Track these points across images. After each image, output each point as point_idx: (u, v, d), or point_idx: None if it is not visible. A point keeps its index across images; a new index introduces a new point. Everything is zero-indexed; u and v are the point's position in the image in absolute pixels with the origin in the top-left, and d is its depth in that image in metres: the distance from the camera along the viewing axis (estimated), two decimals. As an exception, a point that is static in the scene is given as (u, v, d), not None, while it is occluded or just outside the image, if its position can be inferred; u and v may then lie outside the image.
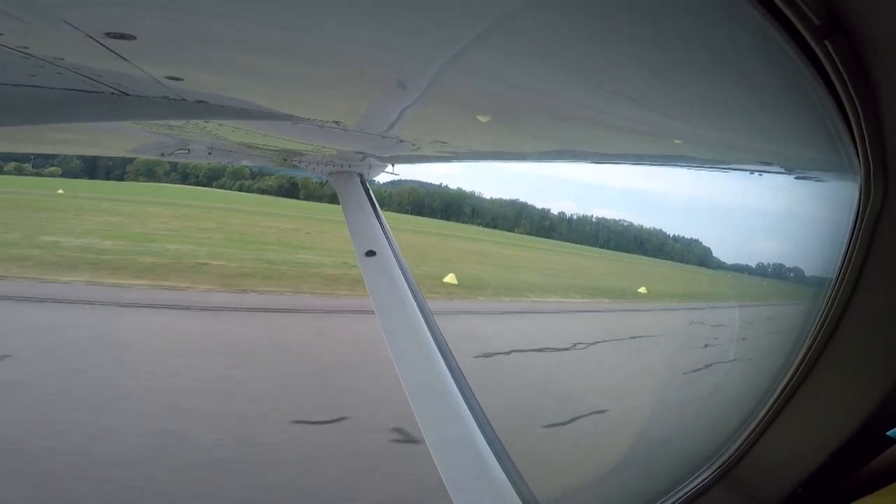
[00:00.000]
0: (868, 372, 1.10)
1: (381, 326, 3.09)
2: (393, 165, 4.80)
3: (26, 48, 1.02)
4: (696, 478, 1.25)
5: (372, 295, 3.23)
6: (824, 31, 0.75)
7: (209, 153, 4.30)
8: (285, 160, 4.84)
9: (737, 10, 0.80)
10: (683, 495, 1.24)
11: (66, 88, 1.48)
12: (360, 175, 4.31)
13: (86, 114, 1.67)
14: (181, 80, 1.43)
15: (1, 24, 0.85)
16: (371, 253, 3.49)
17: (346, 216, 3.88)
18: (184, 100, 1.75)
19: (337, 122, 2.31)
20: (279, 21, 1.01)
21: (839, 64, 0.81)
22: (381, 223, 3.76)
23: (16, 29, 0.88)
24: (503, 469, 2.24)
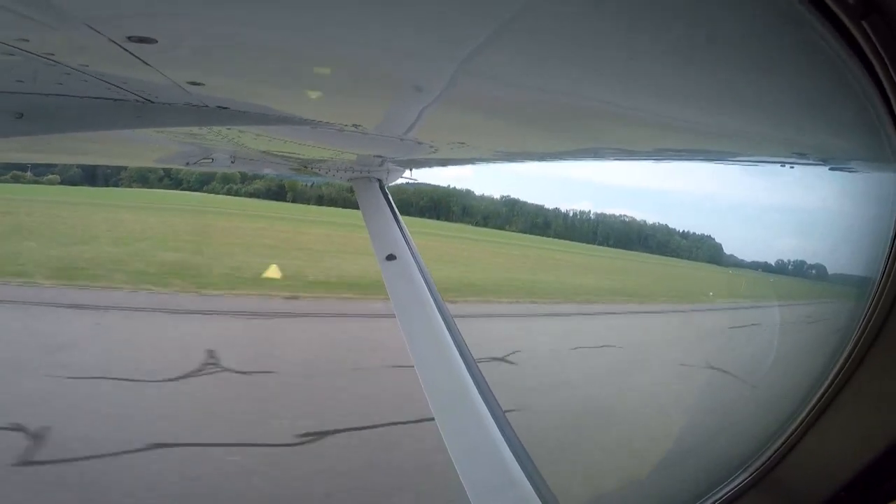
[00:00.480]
0: None
1: (401, 329, 3.08)
2: (411, 170, 4.83)
3: (52, 55, 1.05)
4: (732, 480, 1.20)
5: (392, 298, 3.23)
6: (860, 11, 0.72)
7: (232, 161, 4.38)
8: (305, 167, 4.90)
9: None
10: (720, 498, 1.19)
11: (92, 97, 1.51)
12: (379, 180, 4.34)
13: (112, 122, 1.71)
14: (202, 84, 1.45)
15: (25, 30, 0.87)
16: (391, 257, 3.49)
17: (365, 220, 3.91)
18: (206, 106, 1.77)
19: (356, 126, 2.32)
20: (298, 24, 1.01)
21: (878, 45, 0.78)
22: (400, 227, 3.77)
23: (40, 34, 0.90)
24: (525, 473, 2.20)
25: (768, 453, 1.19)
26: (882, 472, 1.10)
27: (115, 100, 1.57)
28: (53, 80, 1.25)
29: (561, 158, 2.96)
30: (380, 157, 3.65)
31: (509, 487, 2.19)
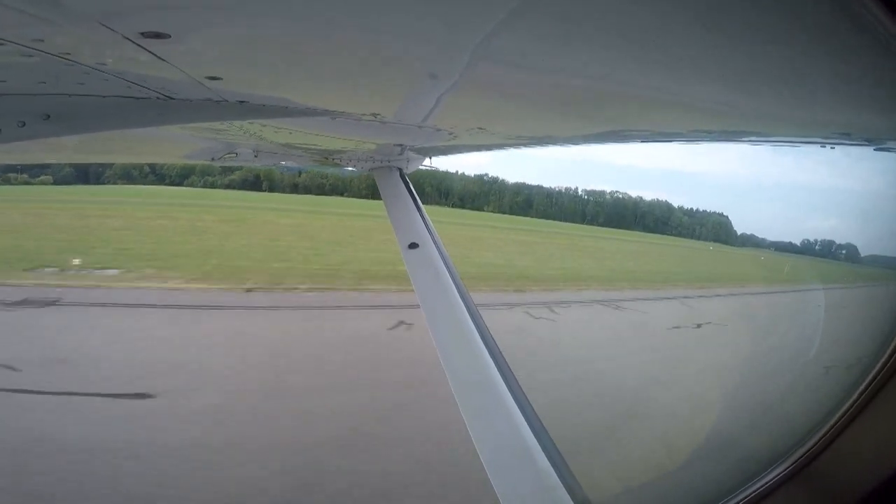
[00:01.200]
0: None
1: (424, 317, 3.08)
2: (430, 158, 4.80)
3: (68, 54, 1.06)
4: (772, 471, 1.15)
5: (416, 286, 3.23)
6: None
7: (255, 155, 4.43)
8: (326, 158, 4.93)
9: None
10: (759, 489, 1.15)
11: (114, 95, 1.53)
12: (400, 169, 4.33)
13: (135, 120, 1.73)
14: (220, 79, 1.45)
15: (38, 29, 0.88)
16: (414, 245, 3.49)
17: (387, 209, 3.91)
18: (225, 101, 1.78)
19: (375, 115, 2.30)
20: (313, 14, 0.99)
21: None
22: (422, 215, 3.76)
23: (53, 33, 0.91)
24: (552, 464, 2.17)
25: (809, 444, 1.14)
26: None
27: (137, 98, 1.58)
28: (74, 80, 1.27)
29: (585, 142, 2.88)
30: (400, 145, 3.63)
31: (534, 477, 2.17)
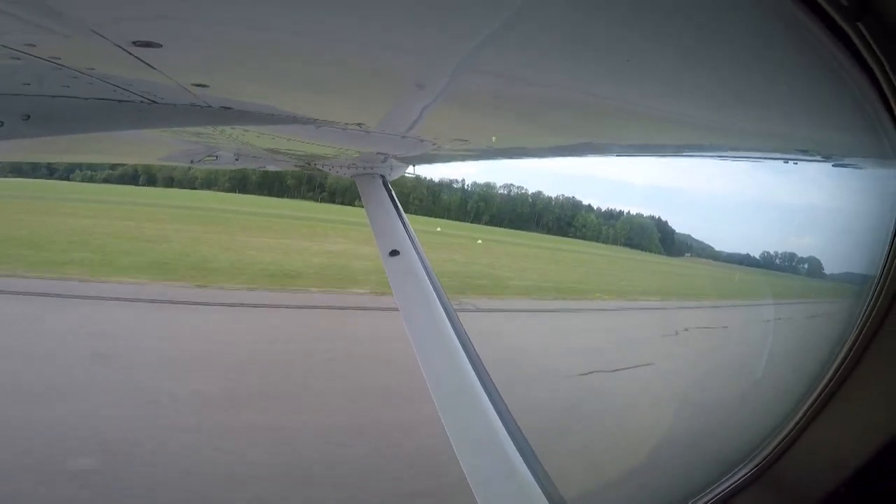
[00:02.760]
0: None
1: (404, 324, 3.10)
2: (414, 166, 4.84)
3: (58, 59, 1.06)
4: (733, 475, 1.21)
5: (396, 293, 3.25)
6: (854, 13, 0.73)
7: (236, 159, 4.40)
8: (309, 164, 4.92)
9: None
10: (721, 492, 1.21)
11: (99, 98, 1.53)
12: (382, 176, 4.35)
13: (116, 123, 1.72)
14: (207, 86, 1.47)
15: (32, 36, 0.89)
16: (395, 252, 3.51)
17: (369, 216, 3.92)
18: (210, 106, 1.79)
19: (359, 125, 2.33)
20: (300, 25, 1.02)
21: (874, 46, 0.79)
22: (403, 223, 3.78)
23: (47, 40, 0.92)
24: (529, 467, 2.21)
25: (770, 447, 1.20)
26: (884, 468, 1.11)
27: (120, 101, 1.58)
28: (60, 83, 1.27)
29: (561, 154, 2.97)
30: (383, 154, 3.66)
31: (512, 481, 2.21)
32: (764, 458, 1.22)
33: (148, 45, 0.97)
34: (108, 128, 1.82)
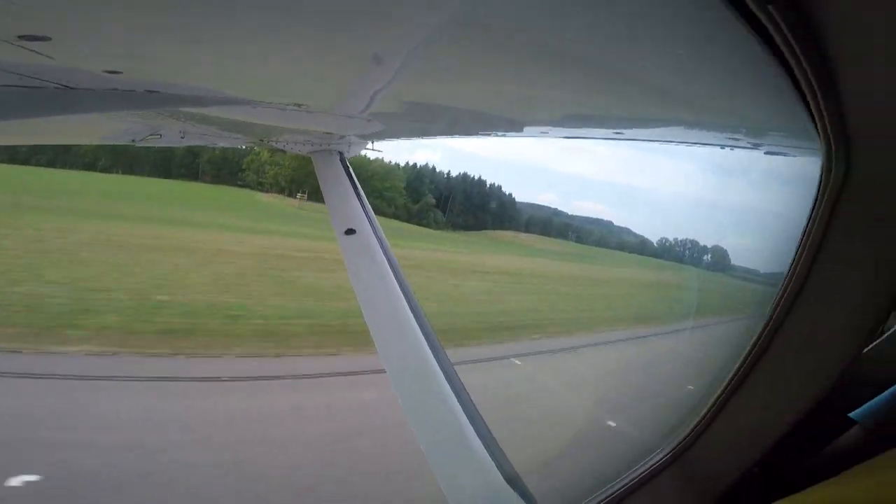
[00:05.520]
0: (822, 352, 1.11)
1: (360, 303, 3.11)
2: (373, 143, 4.75)
3: None
4: (650, 460, 1.28)
5: (351, 273, 3.25)
6: None
7: (182, 137, 4.23)
8: (262, 140, 4.77)
9: None
10: (638, 476, 1.28)
11: (7, 85, 1.45)
12: (340, 153, 4.27)
13: (33, 109, 1.64)
14: (120, 73, 1.41)
15: None
16: (351, 231, 3.50)
17: (325, 194, 3.86)
18: (133, 90, 1.71)
19: (299, 105, 2.26)
20: (205, 6, 0.98)
21: (786, 32, 0.76)
22: (361, 201, 3.75)
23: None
24: (488, 451, 2.25)
25: (684, 433, 1.29)
26: (800, 451, 1.22)
27: (31, 87, 1.50)
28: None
29: (503, 132, 2.97)
30: (330, 133, 3.58)
31: (471, 464, 2.26)
32: (679, 443, 1.29)
33: (34, 38, 0.93)
34: (25, 115, 1.73)
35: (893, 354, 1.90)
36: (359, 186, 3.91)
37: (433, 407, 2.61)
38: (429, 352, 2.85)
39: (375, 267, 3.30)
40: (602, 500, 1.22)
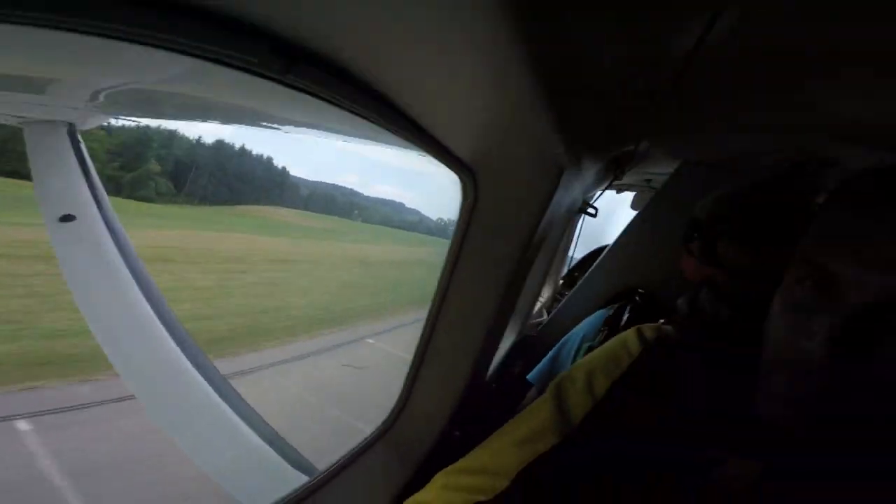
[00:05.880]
0: (468, 331, 1.34)
1: (79, 305, 2.65)
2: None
3: None
4: (364, 440, 1.44)
5: (68, 272, 2.72)
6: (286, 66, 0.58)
7: None
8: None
9: None
10: (354, 451, 1.41)
11: None
12: (71, 124, 3.48)
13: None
14: None
15: None
16: (68, 218, 2.94)
17: (35, 175, 3.14)
18: None
19: None
20: None
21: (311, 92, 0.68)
22: (90, 182, 3.16)
23: None
24: (269, 444, 2.11)
25: (390, 412, 1.47)
26: (490, 410, 1.50)
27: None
28: None
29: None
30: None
31: (256, 461, 2.09)
32: (384, 423, 1.48)
33: None
34: None
35: (555, 329, 2.48)
36: (90, 165, 3.28)
37: (204, 418, 2.34)
38: (176, 346, 2.52)
39: (104, 263, 2.82)
40: (321, 474, 1.33)
